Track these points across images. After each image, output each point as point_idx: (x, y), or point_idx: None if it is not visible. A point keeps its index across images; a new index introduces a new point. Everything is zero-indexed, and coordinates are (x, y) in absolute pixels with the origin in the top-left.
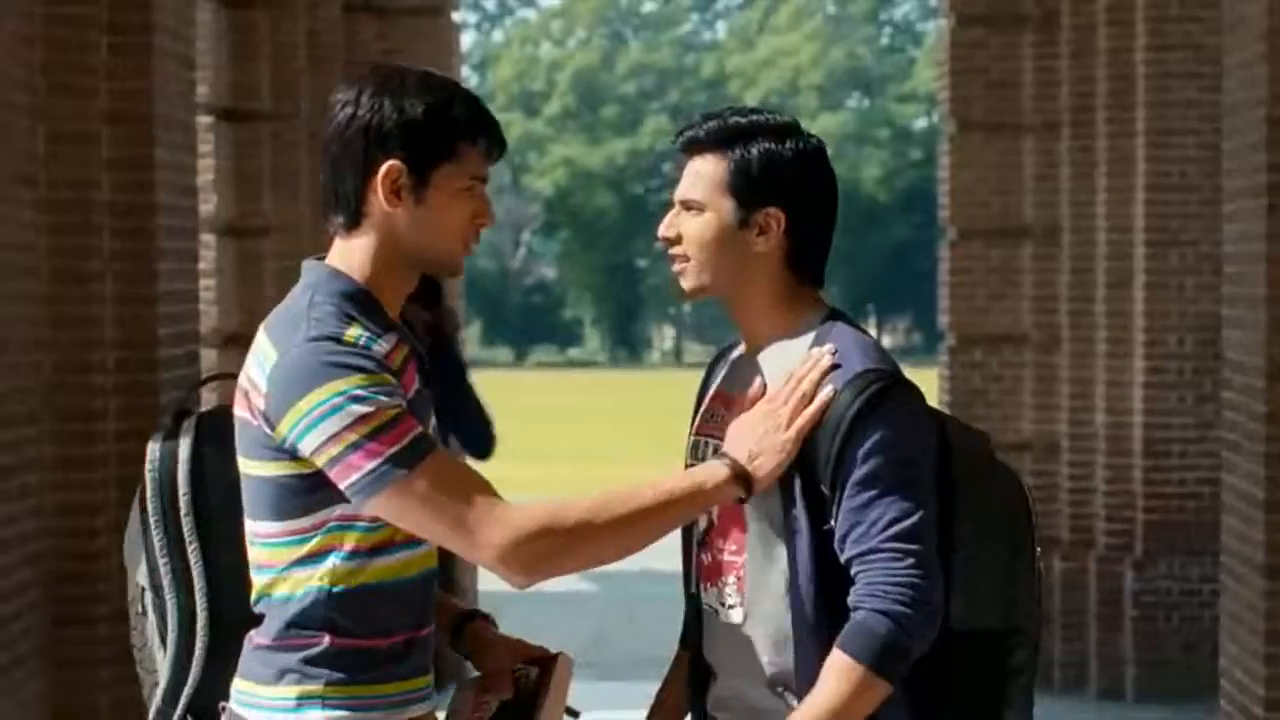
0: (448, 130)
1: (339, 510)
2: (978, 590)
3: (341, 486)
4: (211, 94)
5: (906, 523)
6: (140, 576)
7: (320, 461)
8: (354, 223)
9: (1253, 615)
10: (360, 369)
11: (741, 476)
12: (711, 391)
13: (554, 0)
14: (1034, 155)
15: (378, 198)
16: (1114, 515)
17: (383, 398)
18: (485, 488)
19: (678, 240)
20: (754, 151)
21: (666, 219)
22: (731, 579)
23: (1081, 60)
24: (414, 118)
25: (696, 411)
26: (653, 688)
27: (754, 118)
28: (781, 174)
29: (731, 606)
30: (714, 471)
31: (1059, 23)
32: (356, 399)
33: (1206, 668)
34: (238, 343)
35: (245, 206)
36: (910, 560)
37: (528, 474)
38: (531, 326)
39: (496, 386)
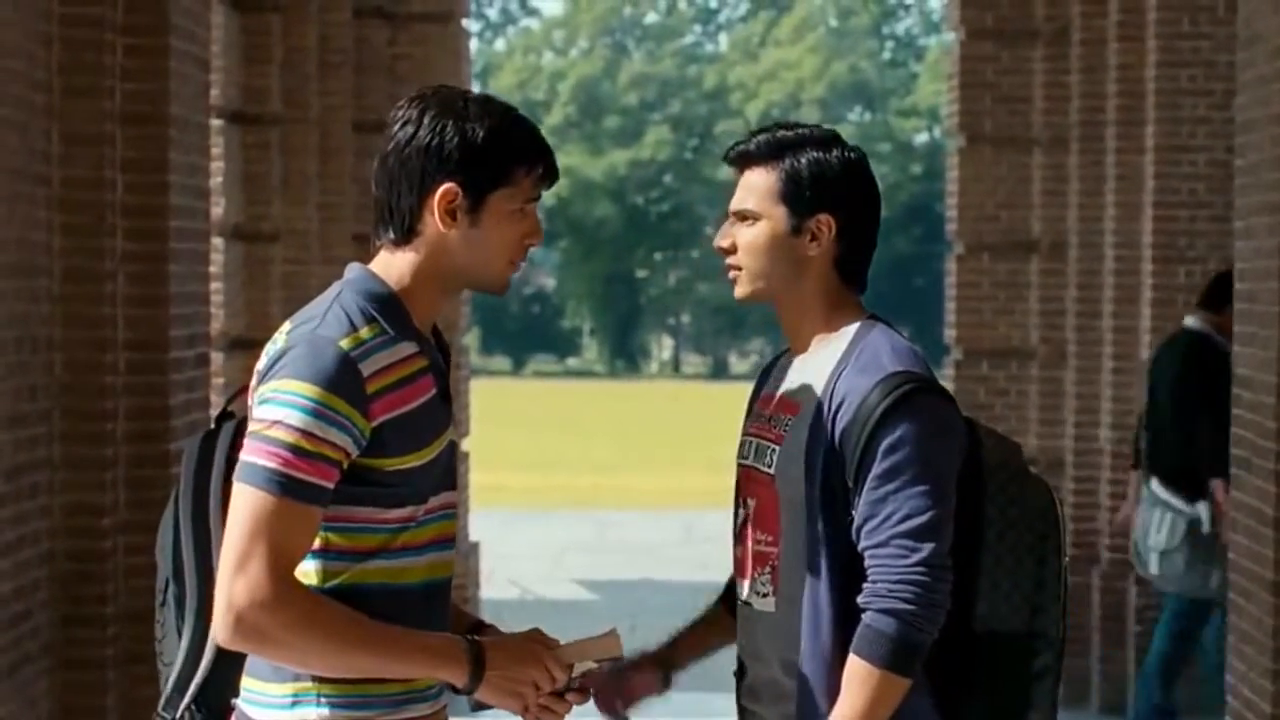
0: (506, 156)
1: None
2: (1002, 593)
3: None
4: (222, 97)
5: (918, 520)
6: (166, 568)
7: (249, 428)
8: (405, 239)
9: (1260, 632)
10: (331, 382)
11: (471, 667)
12: (762, 395)
13: (557, 9)
14: (1043, 170)
15: (433, 217)
16: (1118, 530)
17: (328, 428)
18: (287, 555)
19: (733, 250)
20: (803, 161)
21: (722, 229)
22: (767, 569)
23: (1092, 75)
24: (474, 142)
25: (749, 414)
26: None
27: (800, 130)
28: (830, 181)
29: (765, 595)
30: (456, 653)
31: (1069, 38)
32: (312, 411)
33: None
34: (245, 346)
35: (254, 210)
36: (917, 557)
37: (525, 482)
38: (530, 336)
39: (494, 395)
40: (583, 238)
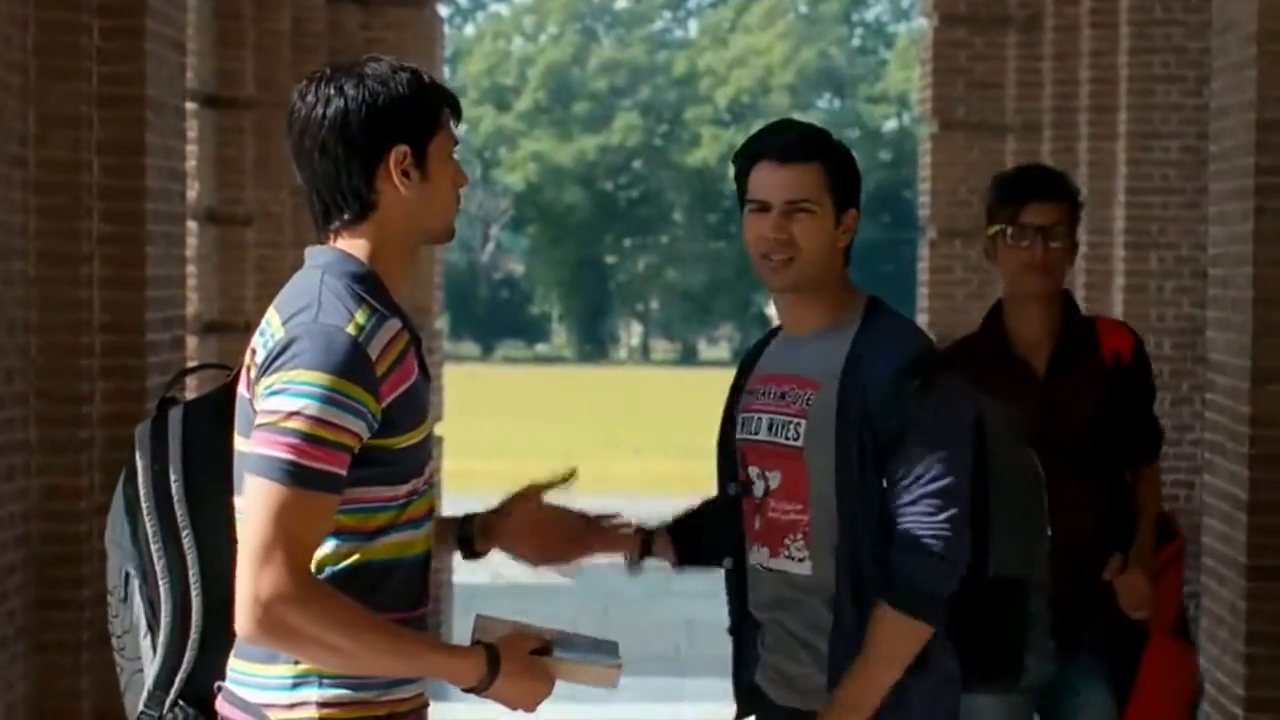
0: (430, 104)
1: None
2: (1006, 544)
3: (248, 447)
4: (195, 81)
5: (943, 482)
6: (126, 562)
7: (257, 420)
8: (363, 215)
9: (1233, 616)
10: (346, 369)
11: (487, 677)
12: (757, 375)
13: None
14: (1015, 156)
15: (390, 184)
16: None
17: (344, 415)
18: (307, 548)
19: (789, 241)
20: (842, 157)
21: (774, 221)
22: (799, 535)
23: (1064, 62)
24: (404, 99)
25: (736, 395)
26: (625, 680)
27: (817, 128)
28: (854, 175)
29: (801, 559)
30: (474, 667)
31: (1042, 24)
32: (325, 399)
33: None
34: (218, 330)
35: (227, 194)
36: (944, 515)
37: (495, 468)
38: (499, 321)
39: (463, 381)
40: (552, 223)
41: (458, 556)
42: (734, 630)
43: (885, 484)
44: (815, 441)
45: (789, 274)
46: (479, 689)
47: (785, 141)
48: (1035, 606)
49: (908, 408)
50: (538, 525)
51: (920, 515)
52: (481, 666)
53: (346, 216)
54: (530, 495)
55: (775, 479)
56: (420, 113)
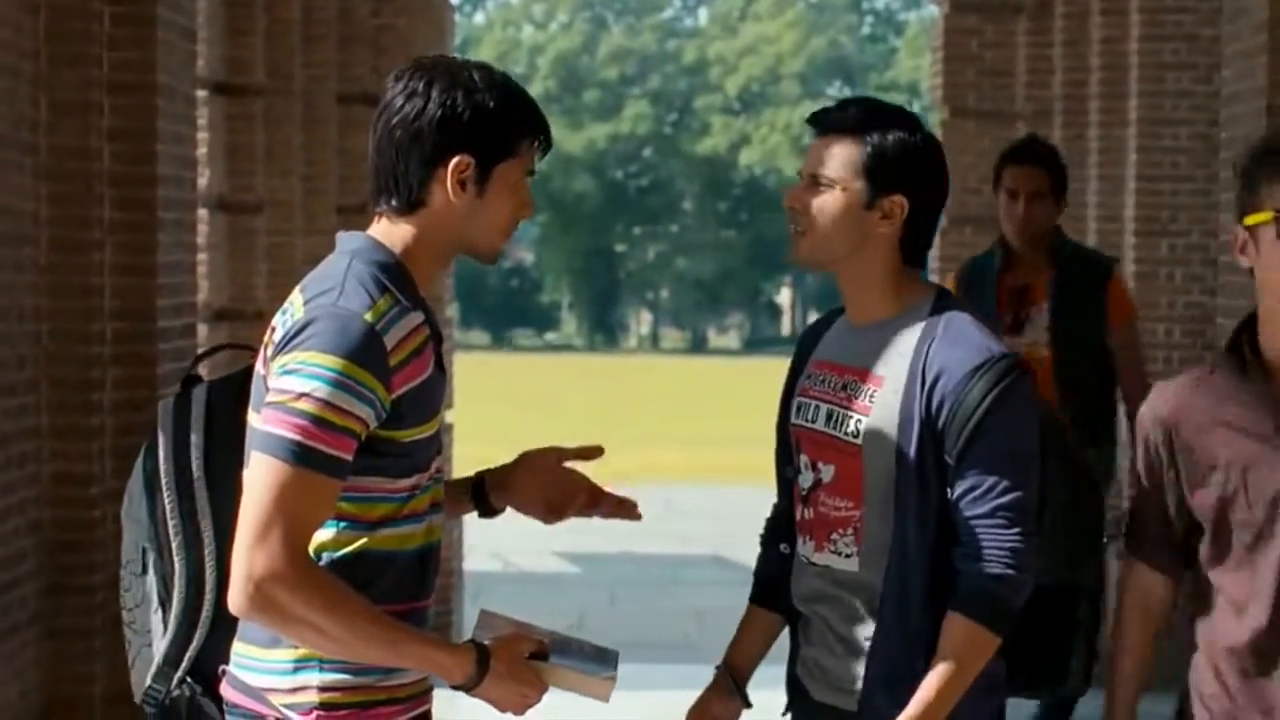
0: (514, 128)
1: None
2: (1055, 551)
3: (255, 425)
4: (205, 68)
5: (1017, 494)
6: (142, 537)
7: (268, 398)
8: (409, 209)
9: None
10: (359, 355)
11: (475, 676)
12: (814, 359)
13: None
14: None
15: (443, 188)
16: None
17: (353, 400)
18: (305, 529)
19: (803, 211)
20: (890, 139)
21: (794, 191)
22: (849, 532)
23: (1075, 49)
24: (486, 114)
25: (795, 376)
26: (633, 668)
27: (887, 108)
28: (912, 163)
29: (849, 555)
30: (462, 664)
31: (1053, 11)
32: (335, 383)
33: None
34: (228, 317)
35: (238, 182)
36: (1017, 529)
37: (505, 456)
38: (509, 310)
39: (473, 369)
40: (562, 212)
41: (473, 516)
42: (789, 620)
43: (951, 491)
44: (875, 439)
45: (800, 247)
46: (466, 688)
47: (830, 115)
48: (1083, 613)
49: (980, 411)
50: (552, 482)
51: (994, 527)
52: (470, 665)
53: (394, 203)
54: (549, 454)
55: (829, 472)
56: (497, 133)
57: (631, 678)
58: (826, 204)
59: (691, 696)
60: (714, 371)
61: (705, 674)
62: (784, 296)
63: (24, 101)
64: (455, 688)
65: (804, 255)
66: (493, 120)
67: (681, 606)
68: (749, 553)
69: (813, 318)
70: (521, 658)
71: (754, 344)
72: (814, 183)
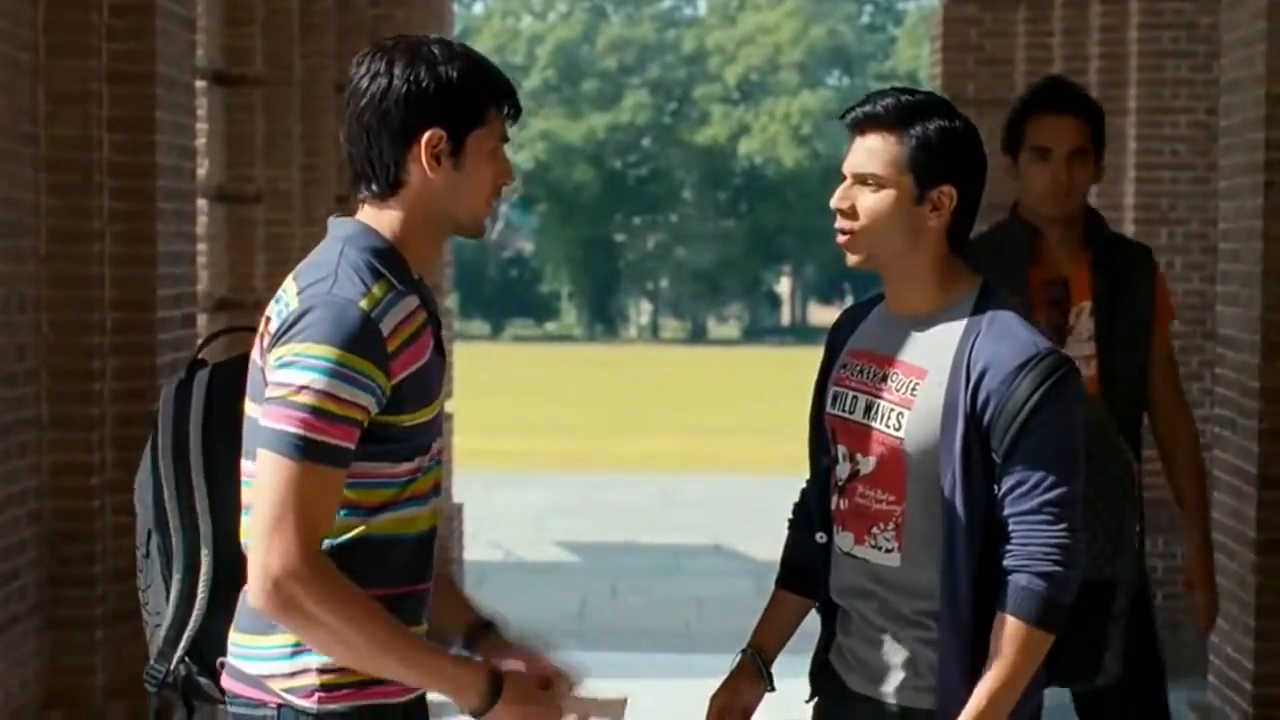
0: (481, 95)
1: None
2: (1093, 545)
3: (259, 416)
4: (204, 58)
5: (1064, 490)
6: (149, 520)
7: (268, 393)
8: (390, 191)
9: (1244, 590)
10: (355, 343)
11: (489, 697)
12: (851, 348)
13: None
14: None
15: (419, 165)
16: None
17: (352, 389)
18: (317, 523)
19: (852, 213)
20: (932, 130)
21: (840, 191)
22: (890, 526)
23: (1074, 38)
24: (451, 84)
25: (830, 365)
26: (634, 658)
27: (924, 97)
28: (957, 152)
29: (889, 550)
30: (475, 683)
31: (1052, 0)
32: (332, 373)
33: (1191, 645)
34: (228, 307)
35: (237, 172)
36: (1064, 525)
37: (505, 446)
38: (509, 300)
39: (473, 359)
40: (561, 202)
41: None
42: (820, 608)
43: (998, 487)
44: (918, 433)
45: (854, 250)
46: (478, 712)
47: (866, 111)
48: (1119, 607)
49: (1027, 409)
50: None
51: (1042, 524)
52: (481, 685)
53: (374, 188)
54: (554, 675)
55: (868, 464)
56: (464, 102)
57: (632, 666)
58: (877, 203)
59: (691, 685)
60: (714, 361)
61: (706, 663)
62: (783, 286)
63: (23, 92)
64: (467, 711)
65: (860, 258)
66: (458, 90)
67: (682, 596)
68: (749, 542)
69: (813, 307)
70: (533, 682)
71: (753, 334)
72: (860, 182)
